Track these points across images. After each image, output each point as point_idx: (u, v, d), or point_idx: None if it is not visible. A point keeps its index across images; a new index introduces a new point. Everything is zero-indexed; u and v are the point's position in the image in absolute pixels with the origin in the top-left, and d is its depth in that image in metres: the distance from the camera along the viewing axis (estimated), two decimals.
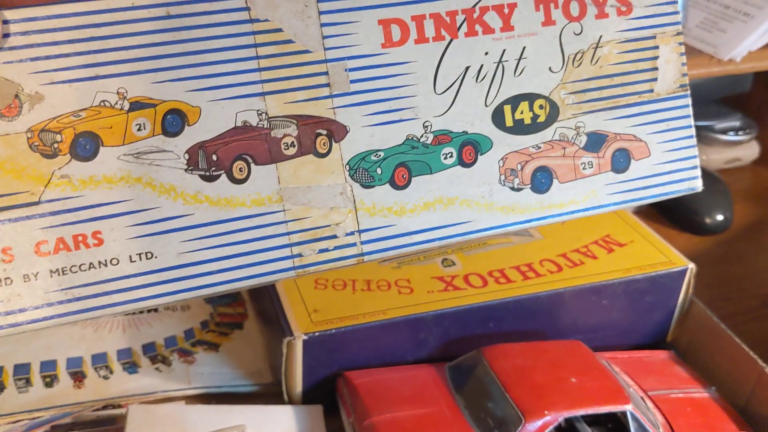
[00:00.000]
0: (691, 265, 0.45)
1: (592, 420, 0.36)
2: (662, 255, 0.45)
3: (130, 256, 0.31)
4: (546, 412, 0.35)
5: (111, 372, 0.44)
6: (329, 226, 0.33)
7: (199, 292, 0.32)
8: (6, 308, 0.30)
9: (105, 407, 0.42)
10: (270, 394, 0.44)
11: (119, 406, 0.42)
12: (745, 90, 0.77)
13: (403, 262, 0.44)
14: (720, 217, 0.62)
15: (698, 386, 0.42)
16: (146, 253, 0.31)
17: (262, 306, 0.47)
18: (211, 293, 0.32)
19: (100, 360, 0.44)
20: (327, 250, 0.33)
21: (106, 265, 0.31)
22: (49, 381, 0.43)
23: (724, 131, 0.69)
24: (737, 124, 0.70)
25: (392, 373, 0.41)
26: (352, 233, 0.34)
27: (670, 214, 0.63)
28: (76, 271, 0.31)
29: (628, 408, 0.36)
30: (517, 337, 0.42)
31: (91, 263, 0.31)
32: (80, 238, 0.30)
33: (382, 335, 0.41)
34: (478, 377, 0.38)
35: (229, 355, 0.46)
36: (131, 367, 0.44)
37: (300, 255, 0.33)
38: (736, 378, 0.42)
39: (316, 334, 0.39)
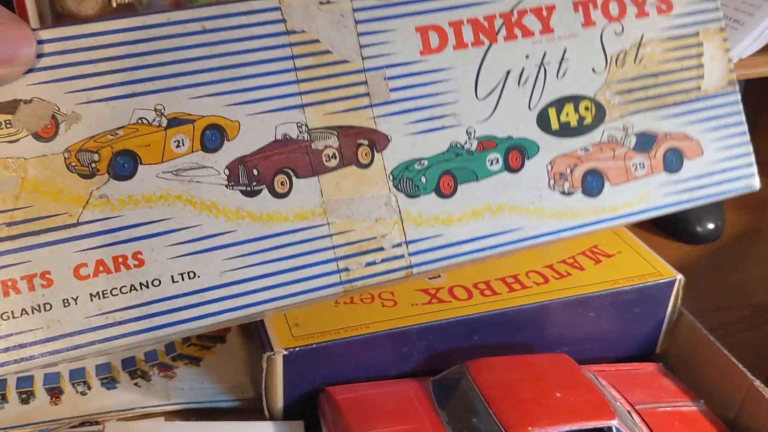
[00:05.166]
0: (680, 276, 0.44)
1: None
2: (650, 266, 0.44)
3: (172, 277, 0.30)
4: (530, 428, 0.34)
5: (89, 388, 0.43)
6: (375, 238, 0.32)
7: (243, 311, 0.31)
8: (46, 335, 0.28)
9: (82, 424, 0.40)
10: (251, 409, 0.42)
11: (96, 423, 0.40)
12: None
13: None
14: (711, 226, 0.60)
15: (687, 399, 0.41)
16: (188, 272, 0.30)
17: None
18: (257, 312, 0.31)
19: (78, 375, 0.43)
20: (374, 263, 0.32)
21: (147, 286, 0.30)
22: (26, 397, 0.42)
23: None
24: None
25: (375, 389, 0.40)
26: (399, 245, 0.32)
27: (660, 223, 0.62)
28: (117, 294, 0.29)
29: (614, 423, 0.35)
30: (503, 350, 0.41)
31: (132, 285, 0.29)
32: (120, 260, 0.29)
33: (364, 349, 0.40)
34: (462, 392, 0.37)
35: (210, 369, 0.45)
36: (110, 382, 0.43)
37: (347, 269, 0.32)
38: (725, 391, 0.41)
39: (297, 348, 0.38)
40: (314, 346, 0.38)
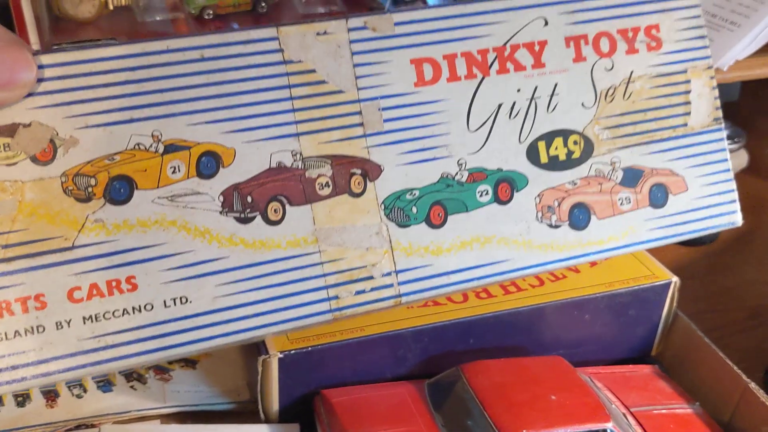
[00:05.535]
0: (675, 279, 0.44)
1: None
2: (645, 268, 0.45)
3: (165, 301, 0.30)
4: (524, 431, 0.34)
5: (85, 390, 0.43)
6: (365, 267, 0.33)
7: (234, 337, 0.31)
8: (38, 357, 0.29)
9: (78, 427, 0.40)
10: (247, 412, 0.43)
11: (92, 426, 0.40)
12: (733, 99, 0.76)
13: None
14: None
15: (682, 402, 0.41)
16: (181, 297, 0.30)
17: None
18: (247, 339, 0.31)
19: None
20: (364, 291, 0.33)
21: (140, 311, 0.30)
22: (21, 400, 0.42)
23: None
24: (725, 133, 0.69)
25: (370, 391, 0.40)
26: (388, 274, 0.33)
27: None
28: (110, 318, 0.30)
29: (609, 426, 0.35)
30: (499, 353, 0.41)
31: (125, 309, 0.30)
32: (114, 284, 0.30)
33: (360, 352, 0.40)
34: (457, 395, 0.38)
35: (206, 372, 0.45)
36: (106, 385, 0.43)
37: (336, 297, 0.32)
38: (720, 393, 0.41)
39: (292, 351, 0.38)
40: (310, 349, 0.38)
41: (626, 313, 0.44)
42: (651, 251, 0.46)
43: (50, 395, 0.42)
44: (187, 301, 0.31)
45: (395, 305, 0.33)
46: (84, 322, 0.29)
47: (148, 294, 0.30)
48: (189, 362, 0.46)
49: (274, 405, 0.40)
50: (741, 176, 0.69)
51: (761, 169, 0.71)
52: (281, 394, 0.39)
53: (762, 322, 0.53)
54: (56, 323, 0.29)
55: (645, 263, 0.45)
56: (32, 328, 0.29)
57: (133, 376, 0.44)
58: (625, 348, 0.46)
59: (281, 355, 0.38)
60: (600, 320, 0.44)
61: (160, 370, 0.45)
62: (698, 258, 0.60)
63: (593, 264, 0.45)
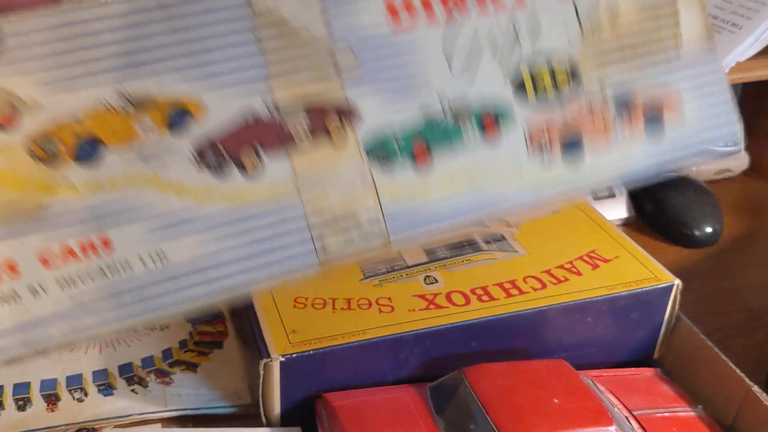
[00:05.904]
0: (677, 282, 0.44)
1: None
2: (648, 271, 0.44)
3: (144, 262, 0.29)
4: None
5: (86, 394, 0.43)
6: (350, 213, 0.31)
7: (219, 294, 0.30)
8: (14, 325, 0.28)
9: (79, 431, 0.40)
10: (249, 415, 0.42)
11: (93, 430, 0.41)
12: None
13: (385, 280, 0.44)
14: (709, 230, 0.61)
15: (684, 405, 0.41)
16: (160, 258, 0.29)
17: (241, 325, 0.46)
18: (233, 295, 0.30)
19: (75, 382, 0.43)
20: (351, 238, 0.31)
21: (119, 273, 0.29)
22: (22, 404, 0.42)
23: None
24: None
25: (372, 395, 0.40)
26: (375, 218, 0.32)
27: (658, 227, 0.62)
28: (87, 282, 0.29)
29: (611, 429, 0.35)
30: (501, 356, 0.41)
31: (102, 272, 0.29)
32: (89, 246, 0.29)
33: (361, 356, 0.40)
34: (459, 398, 0.38)
35: (207, 375, 0.45)
36: (107, 388, 0.43)
37: (323, 246, 0.31)
38: (722, 396, 0.41)
39: (294, 355, 0.38)
40: (311, 352, 0.38)
41: (628, 316, 0.44)
42: (652, 253, 0.46)
43: (51, 399, 0.42)
44: (166, 261, 0.29)
45: (384, 248, 0.32)
46: (61, 288, 0.28)
47: (125, 255, 0.29)
48: (190, 366, 0.46)
49: (276, 408, 0.40)
50: (742, 178, 0.71)
51: (762, 170, 0.72)
52: (283, 397, 0.39)
53: (764, 324, 0.53)
54: (31, 290, 0.28)
55: (647, 266, 0.45)
56: (6, 296, 0.28)
57: (134, 380, 0.44)
58: (627, 351, 0.46)
59: (283, 359, 0.38)
60: (602, 323, 0.44)
61: (162, 374, 0.45)
62: (700, 260, 0.60)
63: (595, 267, 0.45)
